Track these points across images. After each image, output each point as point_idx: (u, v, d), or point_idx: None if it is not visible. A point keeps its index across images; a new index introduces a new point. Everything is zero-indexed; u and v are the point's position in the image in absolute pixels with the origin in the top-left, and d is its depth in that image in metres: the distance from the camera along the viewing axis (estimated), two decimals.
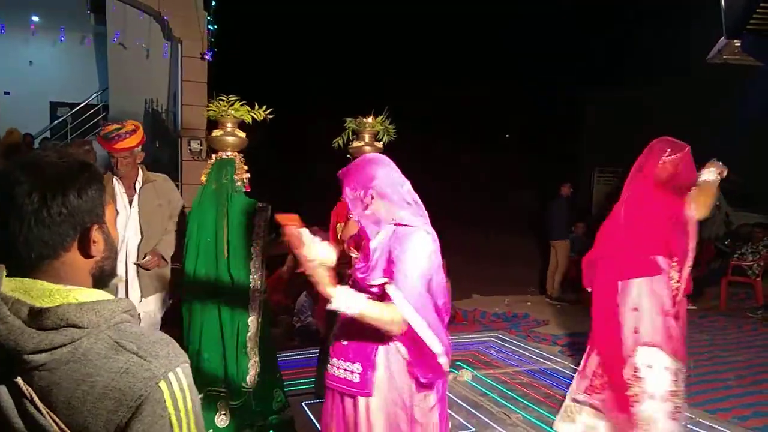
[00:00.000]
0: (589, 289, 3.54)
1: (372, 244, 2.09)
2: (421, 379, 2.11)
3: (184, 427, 0.93)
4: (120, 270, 3.27)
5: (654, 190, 3.31)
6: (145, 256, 3.46)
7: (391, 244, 2.03)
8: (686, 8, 19.04)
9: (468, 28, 24.64)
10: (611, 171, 14.62)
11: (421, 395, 2.14)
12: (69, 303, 0.91)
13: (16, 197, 0.92)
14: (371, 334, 2.04)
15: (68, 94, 11.79)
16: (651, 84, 20.20)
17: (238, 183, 3.28)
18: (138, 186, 3.52)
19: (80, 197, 0.96)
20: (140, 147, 3.52)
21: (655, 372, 3.23)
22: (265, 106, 3.42)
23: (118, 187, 3.48)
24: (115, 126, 3.40)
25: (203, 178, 3.35)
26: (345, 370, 2.13)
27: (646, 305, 3.27)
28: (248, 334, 3.10)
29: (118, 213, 3.25)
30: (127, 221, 3.46)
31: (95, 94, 11.74)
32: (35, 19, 8.55)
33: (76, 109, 11.65)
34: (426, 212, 2.14)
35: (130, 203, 3.50)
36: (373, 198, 2.06)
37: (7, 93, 11.81)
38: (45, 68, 11.63)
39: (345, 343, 2.15)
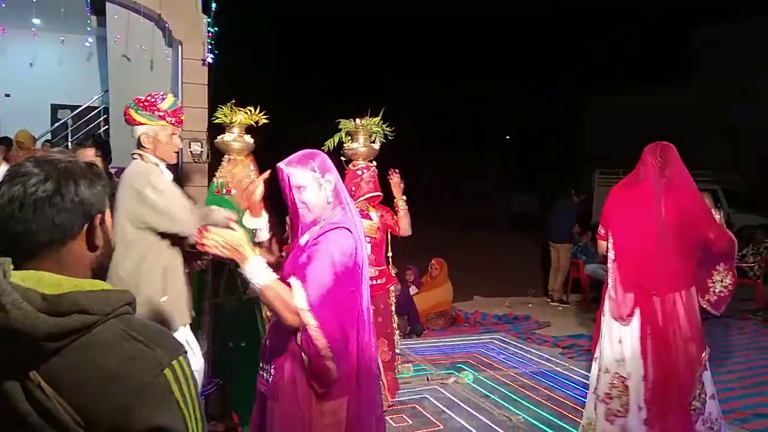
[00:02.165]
0: (634, 311, 3.21)
1: (301, 241, 2.04)
2: (316, 388, 1.93)
3: (190, 410, 0.97)
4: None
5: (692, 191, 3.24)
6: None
7: (317, 240, 1.96)
8: (687, 9, 19.07)
9: (468, 29, 24.69)
10: (612, 172, 14.61)
11: (322, 407, 1.94)
12: (80, 290, 0.94)
13: (29, 186, 0.97)
14: (285, 336, 1.95)
15: (69, 97, 11.79)
16: (652, 85, 20.25)
17: None
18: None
19: (90, 189, 1.02)
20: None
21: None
22: (260, 110, 3.45)
23: (168, 176, 2.81)
24: (170, 95, 2.88)
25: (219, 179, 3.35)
26: (263, 369, 2.06)
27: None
28: None
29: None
30: None
31: (96, 97, 11.73)
32: (36, 21, 8.54)
33: (76, 112, 11.65)
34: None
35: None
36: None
37: (7, 95, 11.81)
38: (46, 71, 11.63)
39: (267, 343, 2.10)
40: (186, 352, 1.02)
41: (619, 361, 3.21)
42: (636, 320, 3.18)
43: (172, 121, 2.76)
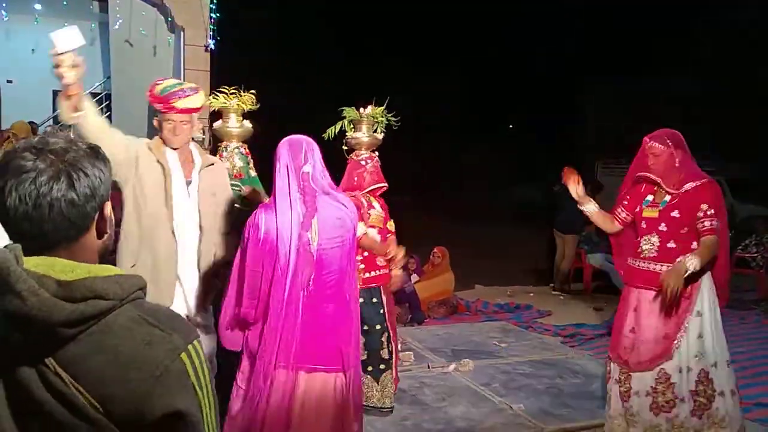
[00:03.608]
0: None
1: None
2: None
3: (205, 394, 0.98)
4: (181, 273, 2.74)
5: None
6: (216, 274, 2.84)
7: None
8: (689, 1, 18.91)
9: (471, 20, 24.50)
10: (615, 163, 14.55)
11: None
12: (95, 276, 0.93)
13: (42, 184, 0.93)
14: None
15: None
16: (656, 76, 20.13)
17: (252, 172, 3.37)
18: (198, 166, 2.82)
19: (98, 177, 1.00)
20: (198, 114, 2.84)
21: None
22: (257, 96, 3.43)
23: (175, 161, 2.76)
24: (174, 81, 2.78)
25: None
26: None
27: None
28: None
29: (166, 193, 2.71)
30: (186, 212, 2.75)
31: (98, 83, 11.71)
32: (38, 6, 8.51)
33: None
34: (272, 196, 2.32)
35: (188, 188, 2.78)
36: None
37: (9, 81, 11.78)
38: (48, 57, 11.57)
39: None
40: (199, 336, 1.02)
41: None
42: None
43: (160, 107, 2.69)
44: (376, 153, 3.92)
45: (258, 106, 3.47)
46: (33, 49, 11.66)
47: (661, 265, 3.11)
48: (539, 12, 22.61)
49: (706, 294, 3.13)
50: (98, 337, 0.92)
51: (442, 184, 21.76)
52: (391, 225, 3.87)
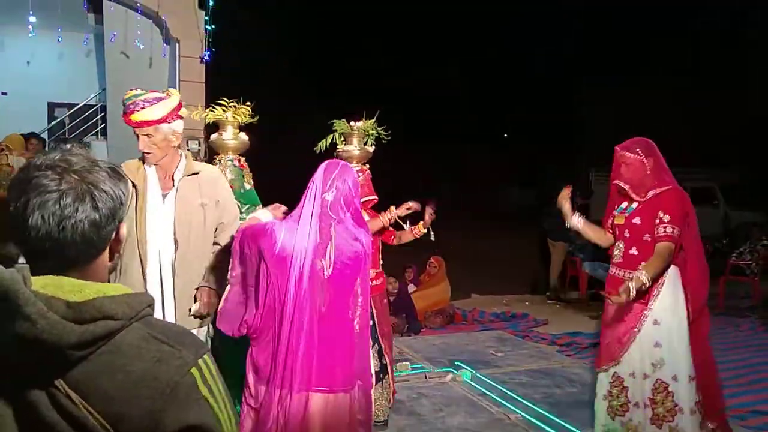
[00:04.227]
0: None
1: None
2: None
3: (222, 407, 0.98)
4: (154, 291, 2.59)
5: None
6: (195, 300, 2.64)
7: None
8: (685, 8, 19.07)
9: (466, 24, 24.64)
10: (606, 170, 14.63)
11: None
12: (104, 296, 0.93)
13: (67, 204, 0.94)
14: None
15: (66, 95, 11.77)
16: (650, 82, 20.27)
17: (247, 185, 3.36)
18: (178, 177, 2.65)
19: (119, 199, 1.01)
20: (173, 123, 2.61)
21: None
22: (252, 109, 3.43)
23: (152, 176, 2.64)
24: (137, 91, 2.56)
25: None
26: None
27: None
28: None
29: (137, 213, 2.60)
30: (160, 224, 2.62)
31: (93, 95, 11.72)
32: (33, 19, 8.52)
33: (73, 110, 11.63)
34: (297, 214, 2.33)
35: (164, 199, 2.64)
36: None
37: (4, 93, 11.77)
38: (43, 69, 11.60)
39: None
40: (209, 351, 1.02)
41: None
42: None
43: (127, 119, 2.54)
44: (367, 166, 3.92)
45: (256, 119, 3.46)
46: (28, 61, 11.67)
47: (625, 271, 3.13)
48: (537, 15, 22.76)
49: (667, 303, 3.07)
50: (108, 356, 0.92)
51: (435, 191, 21.81)
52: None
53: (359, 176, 3.74)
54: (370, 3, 21.42)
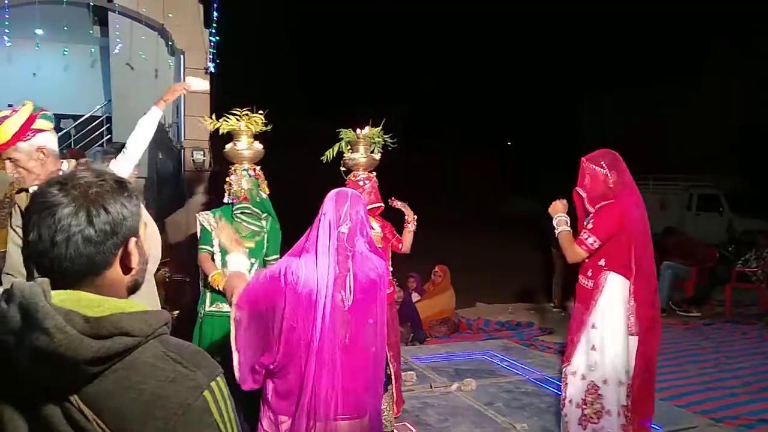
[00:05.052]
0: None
1: None
2: None
3: (228, 430, 0.98)
4: None
5: None
6: None
7: None
8: (683, 12, 19.07)
9: (468, 31, 24.75)
10: None
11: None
12: (121, 312, 0.93)
13: (60, 220, 0.94)
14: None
15: (72, 107, 11.85)
16: (650, 90, 20.28)
17: (263, 193, 3.37)
18: None
19: (123, 213, 0.99)
20: (33, 139, 2.38)
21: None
22: (264, 118, 3.44)
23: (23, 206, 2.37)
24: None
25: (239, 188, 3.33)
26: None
27: None
28: None
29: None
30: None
31: (99, 107, 11.80)
32: (39, 32, 8.60)
33: (79, 121, 11.72)
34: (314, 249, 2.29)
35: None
36: None
37: (10, 105, 11.85)
38: (49, 81, 11.69)
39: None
40: (223, 373, 1.02)
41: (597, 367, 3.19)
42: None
43: None
44: (374, 173, 3.93)
45: (270, 127, 3.47)
46: (34, 73, 11.77)
47: (581, 276, 3.27)
48: (540, 25, 22.84)
49: (605, 309, 3.13)
50: (122, 373, 0.92)
51: (440, 200, 21.80)
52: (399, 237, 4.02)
53: (366, 184, 3.76)
54: (375, 13, 21.55)
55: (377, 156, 3.91)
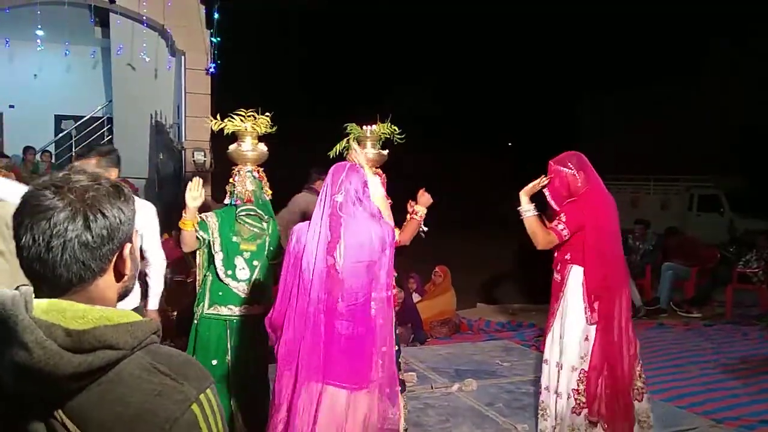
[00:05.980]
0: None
1: None
2: None
3: None
4: None
5: None
6: None
7: None
8: (683, 12, 19.06)
9: (466, 31, 24.77)
10: (611, 178, 14.60)
11: None
12: (106, 324, 0.90)
13: (56, 224, 0.90)
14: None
15: (73, 108, 11.88)
16: (650, 91, 20.27)
17: (266, 196, 3.37)
18: None
19: (118, 219, 0.96)
20: None
21: None
22: (268, 117, 3.43)
23: None
24: None
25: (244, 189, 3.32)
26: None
27: None
28: None
29: None
30: None
31: (100, 107, 11.83)
32: (40, 32, 8.61)
33: (80, 122, 11.73)
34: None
35: None
36: None
37: (11, 106, 11.89)
38: (50, 81, 11.72)
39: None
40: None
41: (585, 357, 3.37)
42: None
43: None
44: (381, 170, 3.88)
45: (275, 128, 3.45)
46: (35, 75, 11.80)
47: (553, 271, 3.48)
48: (540, 25, 22.85)
49: (568, 300, 3.36)
50: (107, 386, 0.89)
51: (440, 200, 21.77)
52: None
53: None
54: (375, 13, 21.56)
55: (385, 152, 3.86)
